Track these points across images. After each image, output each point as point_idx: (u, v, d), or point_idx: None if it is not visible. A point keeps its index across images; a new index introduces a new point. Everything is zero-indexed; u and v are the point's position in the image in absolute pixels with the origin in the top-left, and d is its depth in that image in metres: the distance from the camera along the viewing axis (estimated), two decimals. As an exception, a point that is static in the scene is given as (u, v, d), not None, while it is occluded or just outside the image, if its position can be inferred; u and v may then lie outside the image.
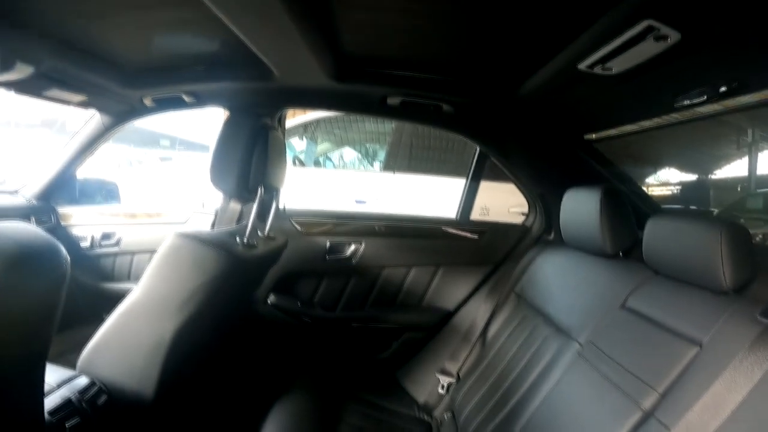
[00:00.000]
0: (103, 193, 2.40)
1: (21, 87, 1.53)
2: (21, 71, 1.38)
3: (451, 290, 2.00)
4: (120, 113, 1.95)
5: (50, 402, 0.99)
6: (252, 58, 1.36)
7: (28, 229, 0.71)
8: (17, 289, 0.65)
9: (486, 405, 1.42)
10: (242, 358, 1.85)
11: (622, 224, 1.37)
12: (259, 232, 1.47)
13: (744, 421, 0.75)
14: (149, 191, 5.58)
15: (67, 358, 1.22)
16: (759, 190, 5.19)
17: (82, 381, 1.10)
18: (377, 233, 2.00)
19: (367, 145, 4.79)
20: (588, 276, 1.41)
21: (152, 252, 2.09)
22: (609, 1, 0.91)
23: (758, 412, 0.74)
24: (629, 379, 0.98)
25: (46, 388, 1.02)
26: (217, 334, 1.57)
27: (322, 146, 4.45)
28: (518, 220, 2.09)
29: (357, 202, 3.65)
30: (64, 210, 2.15)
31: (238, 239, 1.30)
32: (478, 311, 1.85)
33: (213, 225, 1.94)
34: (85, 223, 2.17)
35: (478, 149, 2.10)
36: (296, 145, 4.16)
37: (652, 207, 1.77)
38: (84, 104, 1.87)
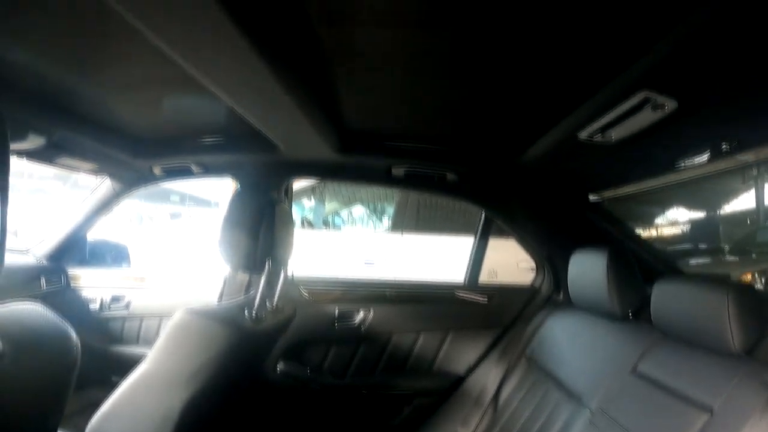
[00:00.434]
0: (114, 255, 2.42)
1: (33, 155, 1.58)
2: (33, 141, 1.44)
3: (462, 354, 1.97)
4: (130, 180, 2.02)
5: None
6: (257, 132, 1.42)
7: (41, 314, 0.72)
8: (29, 374, 0.65)
9: None
10: (252, 426, 1.80)
11: (630, 286, 1.38)
12: (267, 302, 1.47)
13: None
14: (160, 251, 5.61)
15: (75, 421, 1.20)
16: (768, 223, 5.12)
17: None
18: (385, 299, 2.00)
19: (375, 203, 4.85)
20: (598, 339, 1.41)
21: (161, 317, 2.11)
22: (606, 75, 0.95)
23: None
24: None
25: None
26: (226, 405, 1.53)
27: (331, 206, 4.52)
28: (528, 275, 2.09)
29: (366, 263, 3.65)
30: (74, 271, 2.17)
31: (246, 312, 1.30)
32: (489, 375, 1.82)
33: (221, 296, 1.95)
34: (95, 285, 2.18)
35: (483, 213, 2.13)
36: (305, 204, 4.23)
37: (662, 261, 1.77)
38: (95, 171, 1.93)
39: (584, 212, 1.86)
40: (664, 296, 1.14)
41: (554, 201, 1.87)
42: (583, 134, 1.17)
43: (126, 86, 1.28)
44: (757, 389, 0.84)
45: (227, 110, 1.38)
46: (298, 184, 3.92)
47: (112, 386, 1.18)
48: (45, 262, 2.10)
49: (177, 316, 1.16)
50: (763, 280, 3.68)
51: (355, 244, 3.96)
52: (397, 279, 2.27)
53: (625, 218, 1.94)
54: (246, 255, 1.29)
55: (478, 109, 1.31)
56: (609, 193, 1.94)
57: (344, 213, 4.84)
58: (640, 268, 1.45)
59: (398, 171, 1.75)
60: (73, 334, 0.74)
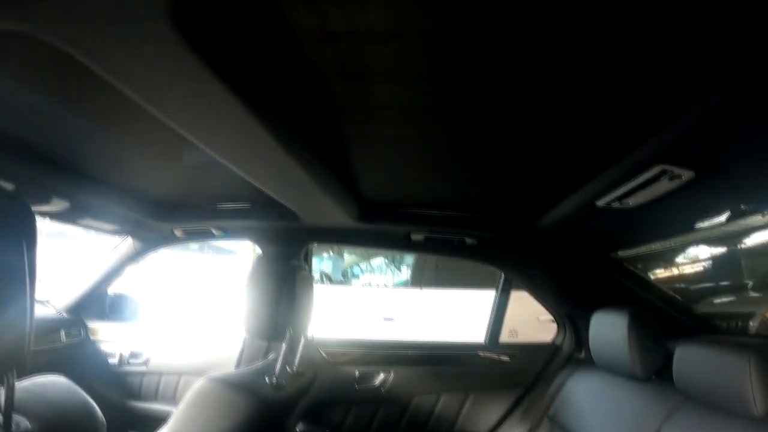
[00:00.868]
0: (134, 309, 2.42)
1: (56, 216, 1.63)
2: (57, 205, 1.49)
3: (483, 415, 1.92)
4: (151, 241, 2.07)
5: None
6: (277, 202, 1.45)
7: (67, 390, 0.71)
8: None
9: None
10: None
11: (652, 346, 1.37)
12: (287, 367, 1.44)
13: None
14: (179, 304, 5.61)
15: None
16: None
17: None
18: (406, 361, 1.97)
19: (394, 256, 4.83)
20: (621, 400, 1.40)
21: (180, 374, 2.07)
22: (622, 149, 0.97)
23: None
24: None
25: None
26: None
27: (350, 259, 4.52)
28: (549, 329, 2.05)
29: (385, 319, 3.59)
30: (93, 325, 2.18)
31: (267, 379, 1.29)
32: None
33: (239, 359, 1.94)
34: (114, 339, 2.18)
35: (503, 274, 2.11)
36: (324, 257, 4.23)
37: (686, 313, 1.75)
38: (117, 232, 1.99)
39: (605, 269, 1.84)
40: (687, 360, 1.13)
41: (573, 260, 1.87)
42: (601, 202, 1.19)
43: (147, 153, 1.33)
44: None
45: (247, 181, 1.42)
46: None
47: None
48: (65, 315, 2.11)
49: (199, 384, 1.16)
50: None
51: (374, 300, 3.91)
52: (417, 340, 2.25)
53: (646, 269, 1.90)
54: (267, 323, 1.30)
55: (496, 177, 1.33)
56: (629, 252, 1.93)
57: (363, 266, 4.82)
58: (662, 323, 1.44)
59: (418, 237, 1.78)
60: (99, 414, 0.73)
